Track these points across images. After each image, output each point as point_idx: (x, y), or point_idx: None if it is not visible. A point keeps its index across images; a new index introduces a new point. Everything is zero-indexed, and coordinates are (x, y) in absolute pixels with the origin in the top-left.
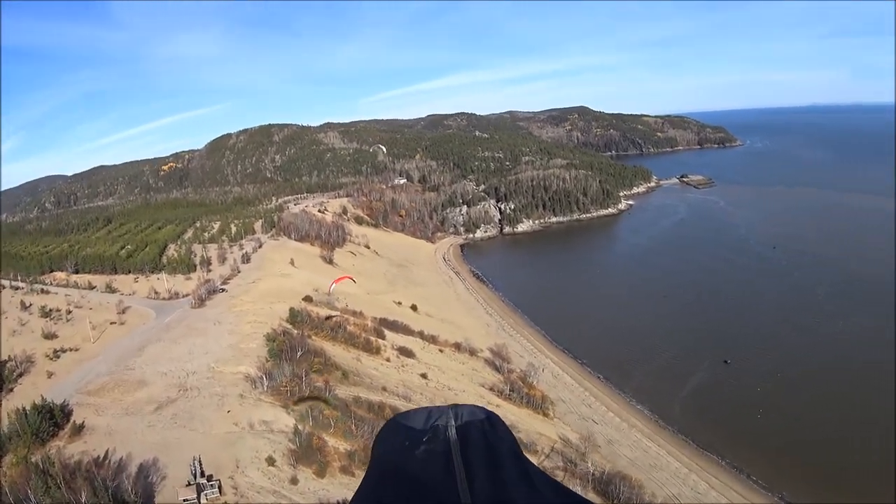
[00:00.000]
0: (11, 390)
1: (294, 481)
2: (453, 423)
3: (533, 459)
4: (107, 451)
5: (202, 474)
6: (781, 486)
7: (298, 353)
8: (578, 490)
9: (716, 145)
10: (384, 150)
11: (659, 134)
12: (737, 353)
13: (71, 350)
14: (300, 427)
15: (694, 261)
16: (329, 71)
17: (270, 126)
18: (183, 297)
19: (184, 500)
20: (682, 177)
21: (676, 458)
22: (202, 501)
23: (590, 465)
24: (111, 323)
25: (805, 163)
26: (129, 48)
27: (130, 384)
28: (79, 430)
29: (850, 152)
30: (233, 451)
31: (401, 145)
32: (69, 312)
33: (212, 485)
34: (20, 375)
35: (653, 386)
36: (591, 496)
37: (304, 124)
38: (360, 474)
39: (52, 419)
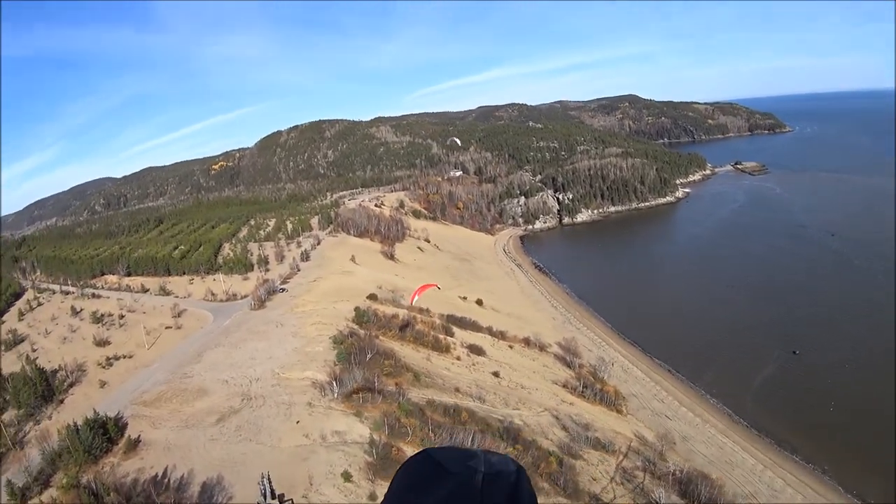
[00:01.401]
0: (62, 402)
1: (373, 497)
2: (482, 469)
3: (612, 460)
4: (165, 469)
5: (272, 494)
6: (855, 484)
7: (368, 356)
8: (661, 492)
9: (766, 131)
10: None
11: (710, 121)
12: (805, 343)
13: (124, 357)
14: (376, 437)
15: (754, 249)
16: (376, 67)
17: (321, 122)
18: (241, 298)
19: None
20: (736, 164)
21: (751, 454)
22: None
23: (671, 465)
24: (166, 327)
25: (856, 149)
26: (175, 50)
27: (189, 393)
28: (134, 445)
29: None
30: (305, 466)
31: (454, 137)
32: (122, 317)
33: None
34: (71, 385)
35: (723, 378)
36: (673, 498)
37: (356, 119)
38: None
39: (105, 434)
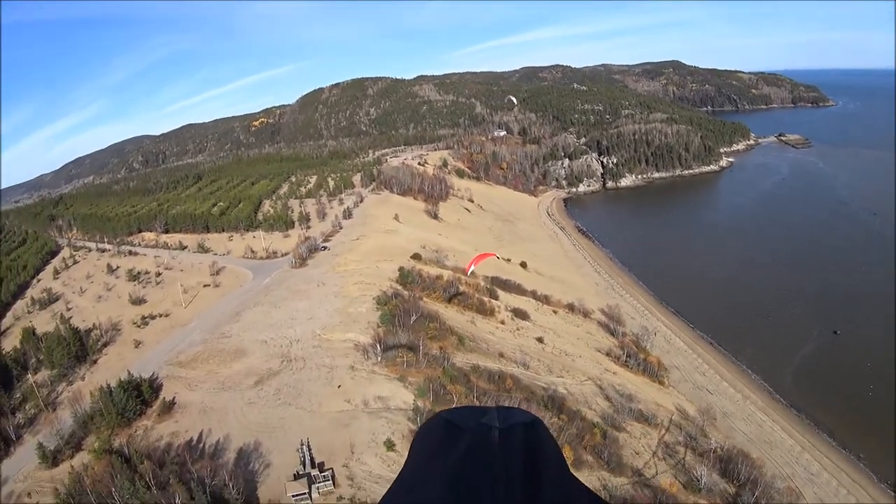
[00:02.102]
0: (95, 362)
1: None
2: (497, 424)
3: (654, 433)
4: (201, 433)
5: (312, 462)
6: (889, 473)
7: (412, 318)
8: (703, 470)
9: (809, 104)
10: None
11: (753, 91)
12: (845, 323)
13: (161, 316)
14: (420, 404)
15: (797, 224)
16: (420, 25)
17: (364, 80)
18: (282, 256)
19: (293, 497)
20: (779, 135)
21: (790, 434)
22: (314, 496)
23: (713, 441)
24: (204, 285)
25: None
26: (216, 6)
27: (227, 354)
28: (169, 407)
29: None
30: (346, 433)
31: (497, 97)
32: (158, 275)
33: (325, 475)
34: (105, 345)
35: (764, 354)
36: (714, 477)
37: (398, 77)
38: None
39: (139, 396)
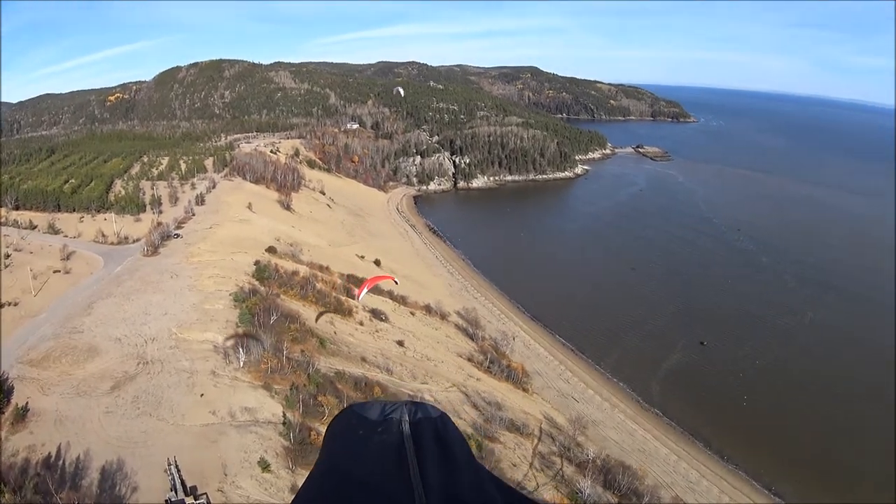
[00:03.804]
0: None
1: (295, 489)
2: (407, 418)
3: (528, 444)
4: (59, 448)
5: (184, 487)
6: (771, 478)
7: (272, 318)
8: (587, 482)
9: (669, 119)
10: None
11: (612, 102)
12: (711, 334)
13: (9, 305)
14: (290, 417)
15: (657, 236)
16: (281, 9)
17: (221, 61)
18: (133, 242)
19: None
20: (637, 147)
21: (663, 443)
22: None
23: (590, 452)
24: (55, 271)
25: (762, 148)
26: None
27: (80, 352)
28: (23, 414)
29: (807, 142)
30: (215, 451)
31: (352, 90)
32: (7, 256)
33: (199, 502)
34: None
35: (629, 363)
36: (598, 489)
37: (256, 62)
38: None
39: None
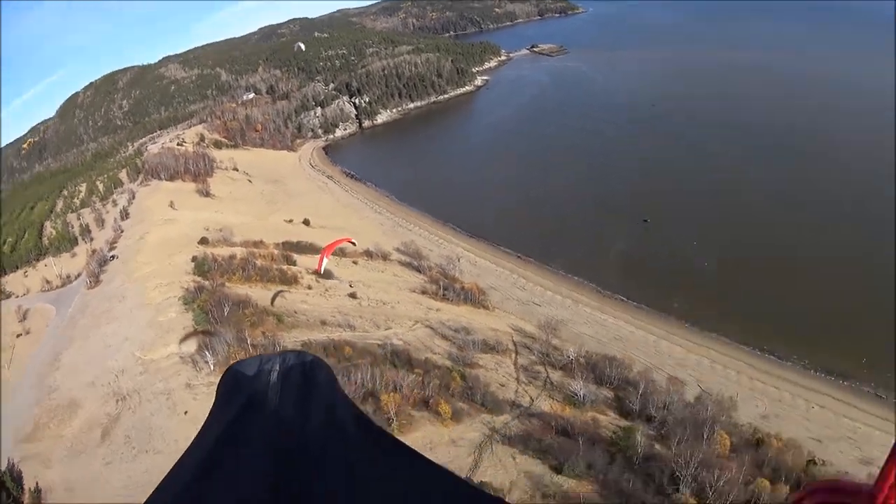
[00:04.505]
0: None
1: None
2: (278, 368)
3: (507, 360)
4: None
5: None
6: (757, 339)
7: (226, 310)
8: (578, 383)
9: (557, 14)
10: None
11: (497, 10)
12: (650, 211)
13: None
14: None
15: (574, 126)
16: (154, 6)
17: (113, 74)
18: (76, 278)
19: None
20: (532, 47)
21: (638, 326)
22: None
23: (571, 352)
24: (18, 335)
25: (657, 25)
26: None
27: (62, 410)
28: (37, 497)
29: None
30: None
31: (241, 62)
32: None
33: None
34: None
35: (579, 256)
36: (591, 387)
37: (145, 63)
38: None
39: (8, 496)
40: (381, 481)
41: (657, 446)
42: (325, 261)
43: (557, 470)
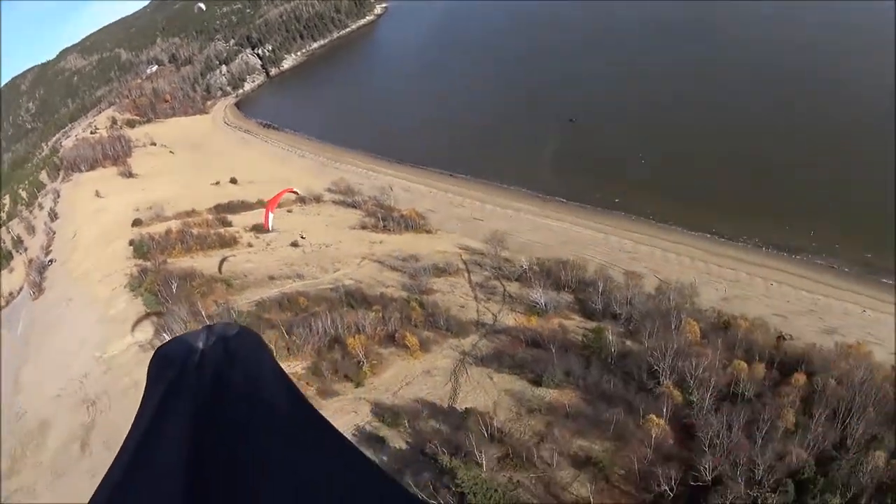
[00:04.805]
0: None
1: None
2: (201, 343)
3: (461, 281)
4: None
5: None
6: (698, 222)
7: (174, 286)
8: (538, 292)
9: None
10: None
11: None
12: (575, 110)
13: None
14: None
15: (485, 32)
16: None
17: (14, 79)
18: (19, 292)
19: None
20: None
21: (584, 226)
22: None
23: (523, 261)
24: None
25: None
26: None
27: (35, 434)
28: None
29: None
30: None
31: (138, 37)
32: None
33: None
34: None
35: (510, 165)
36: (551, 294)
37: (44, 61)
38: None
39: None
40: (293, 449)
41: (629, 343)
42: (272, 216)
43: (536, 383)
